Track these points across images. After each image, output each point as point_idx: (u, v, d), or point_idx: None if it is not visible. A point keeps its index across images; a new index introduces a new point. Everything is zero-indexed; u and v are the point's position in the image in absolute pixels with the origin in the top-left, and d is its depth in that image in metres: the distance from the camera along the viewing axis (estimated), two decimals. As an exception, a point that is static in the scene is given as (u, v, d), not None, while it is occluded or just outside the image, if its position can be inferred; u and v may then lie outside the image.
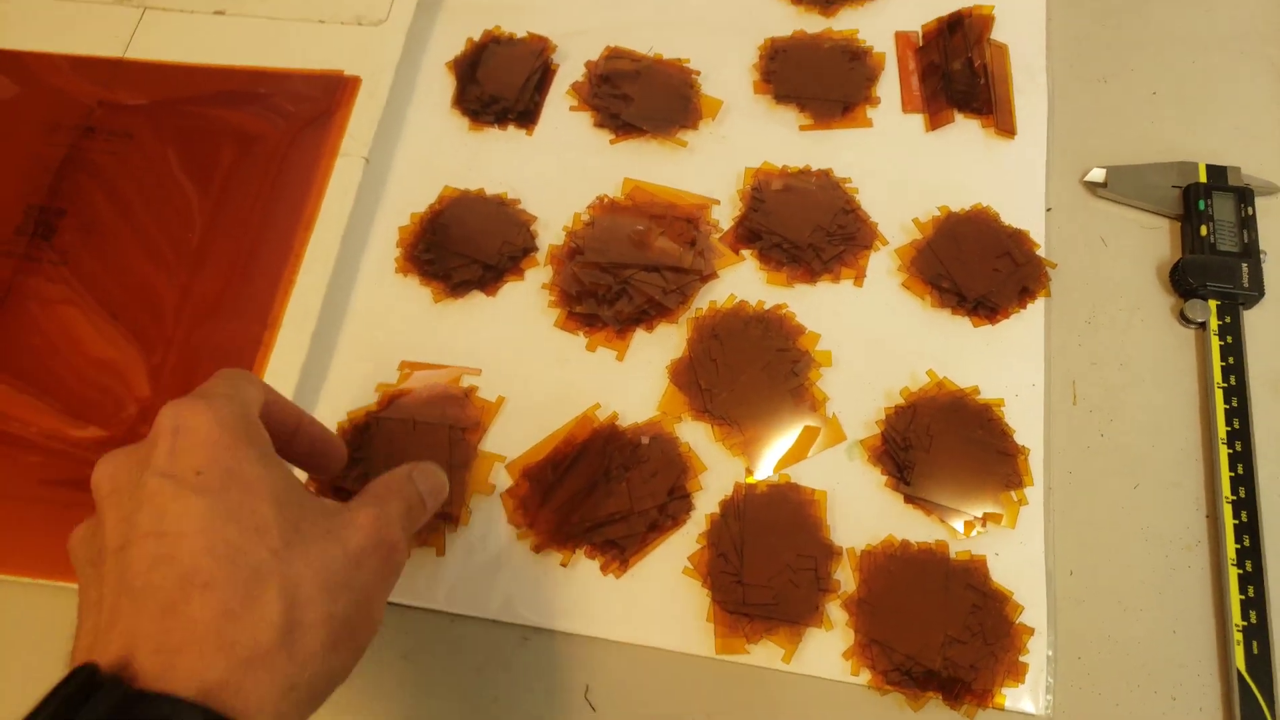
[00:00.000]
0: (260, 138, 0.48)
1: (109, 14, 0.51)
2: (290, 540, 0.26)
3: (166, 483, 0.25)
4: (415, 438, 0.41)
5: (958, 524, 0.40)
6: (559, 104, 0.51)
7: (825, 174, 0.47)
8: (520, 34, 0.52)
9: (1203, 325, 0.43)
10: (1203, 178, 0.45)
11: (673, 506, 0.40)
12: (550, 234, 0.47)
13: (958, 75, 0.49)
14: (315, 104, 0.49)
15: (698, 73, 0.50)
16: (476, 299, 0.45)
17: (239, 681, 0.23)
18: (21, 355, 0.43)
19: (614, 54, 0.51)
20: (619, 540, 0.39)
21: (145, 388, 0.42)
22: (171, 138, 0.48)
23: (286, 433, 0.32)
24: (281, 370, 0.42)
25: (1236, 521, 0.39)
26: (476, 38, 0.52)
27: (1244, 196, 0.45)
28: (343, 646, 0.27)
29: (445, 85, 0.51)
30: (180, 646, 0.23)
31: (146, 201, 0.47)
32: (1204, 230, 0.44)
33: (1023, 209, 0.47)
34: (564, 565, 0.39)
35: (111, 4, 0.51)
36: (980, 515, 0.39)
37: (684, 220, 0.46)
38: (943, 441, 0.41)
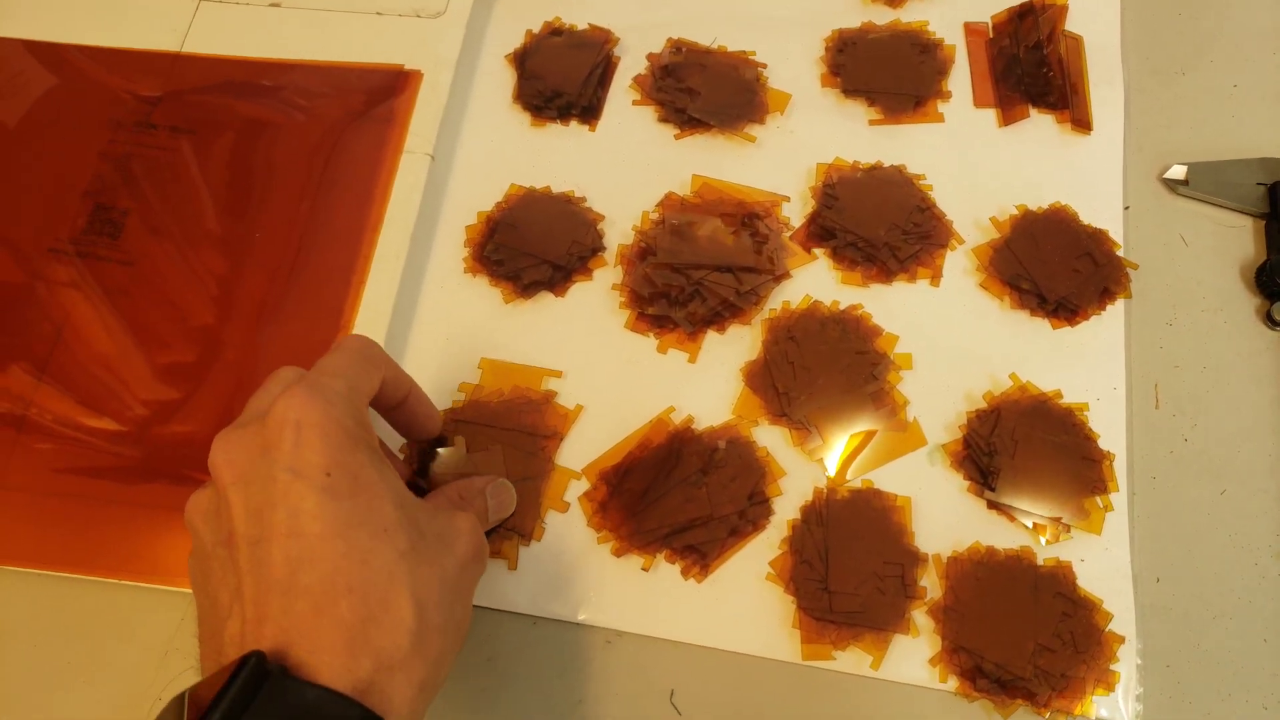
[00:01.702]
0: (322, 133, 0.47)
1: (166, 6, 0.50)
2: (414, 543, 0.28)
3: (297, 482, 0.27)
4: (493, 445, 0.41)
5: (1037, 529, 0.39)
6: (621, 98, 0.50)
7: (899, 170, 0.46)
8: (579, 25, 0.51)
9: (1291, 328, 0.42)
10: (1288, 175, 0.44)
11: (752, 511, 0.40)
12: (617, 232, 0.46)
13: (1030, 65, 0.48)
14: (371, 97, 0.48)
15: (764, 65, 0.50)
16: (546, 300, 0.45)
17: (384, 683, 0.25)
18: (42, 344, 0.43)
19: (677, 46, 0.50)
20: (700, 545, 0.39)
21: (183, 385, 0.42)
22: (230, 134, 0.48)
23: (396, 401, 0.34)
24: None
25: (1327, 528, 0.38)
26: (534, 29, 0.52)
27: (1330, 194, 0.44)
28: (455, 646, 0.29)
29: (504, 79, 0.50)
30: (333, 647, 0.25)
31: (208, 199, 0.46)
32: (1292, 230, 0.43)
33: (1100, 207, 0.46)
34: (645, 569, 0.39)
35: (167, -5, 0.50)
36: (1066, 522, 0.39)
37: (754, 217, 0.45)
38: (1027, 447, 0.40)
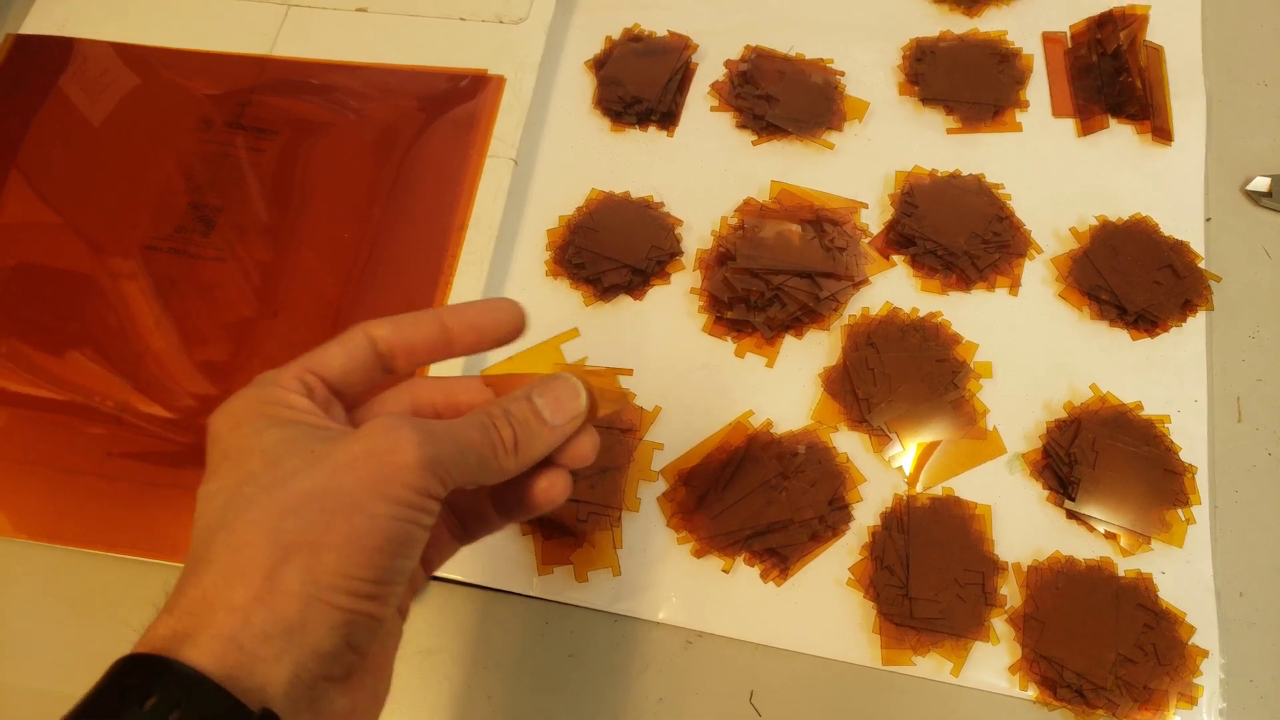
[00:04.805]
0: (399, 134, 0.48)
1: (256, 12, 0.51)
2: (267, 481, 0.25)
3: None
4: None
5: (1116, 539, 0.39)
6: (699, 104, 0.50)
7: (977, 179, 0.47)
8: (658, 32, 0.52)
9: (1380, 344, 0.42)
10: (1378, 189, 0.44)
11: (832, 517, 0.40)
12: (694, 237, 0.47)
13: (1108, 74, 0.48)
14: (450, 100, 0.49)
15: (842, 73, 0.50)
16: (624, 302, 0.46)
17: (187, 628, 0.23)
18: (104, 330, 0.45)
19: (755, 53, 0.51)
20: (780, 549, 0.40)
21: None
22: (317, 134, 0.49)
23: (424, 337, 0.29)
24: (443, 373, 0.42)
25: None
26: (612, 35, 0.52)
27: None
28: (300, 563, 0.24)
29: (584, 84, 0.51)
30: (155, 625, 0.24)
31: (290, 198, 0.47)
32: (1382, 245, 0.42)
33: (1180, 218, 0.46)
34: (725, 571, 0.40)
35: (258, 1, 0.52)
36: (1147, 534, 0.39)
37: (829, 222, 0.46)
38: (1108, 458, 0.40)
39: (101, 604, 0.41)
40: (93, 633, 0.40)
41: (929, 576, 0.38)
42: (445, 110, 0.49)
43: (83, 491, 0.42)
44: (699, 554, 0.40)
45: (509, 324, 0.30)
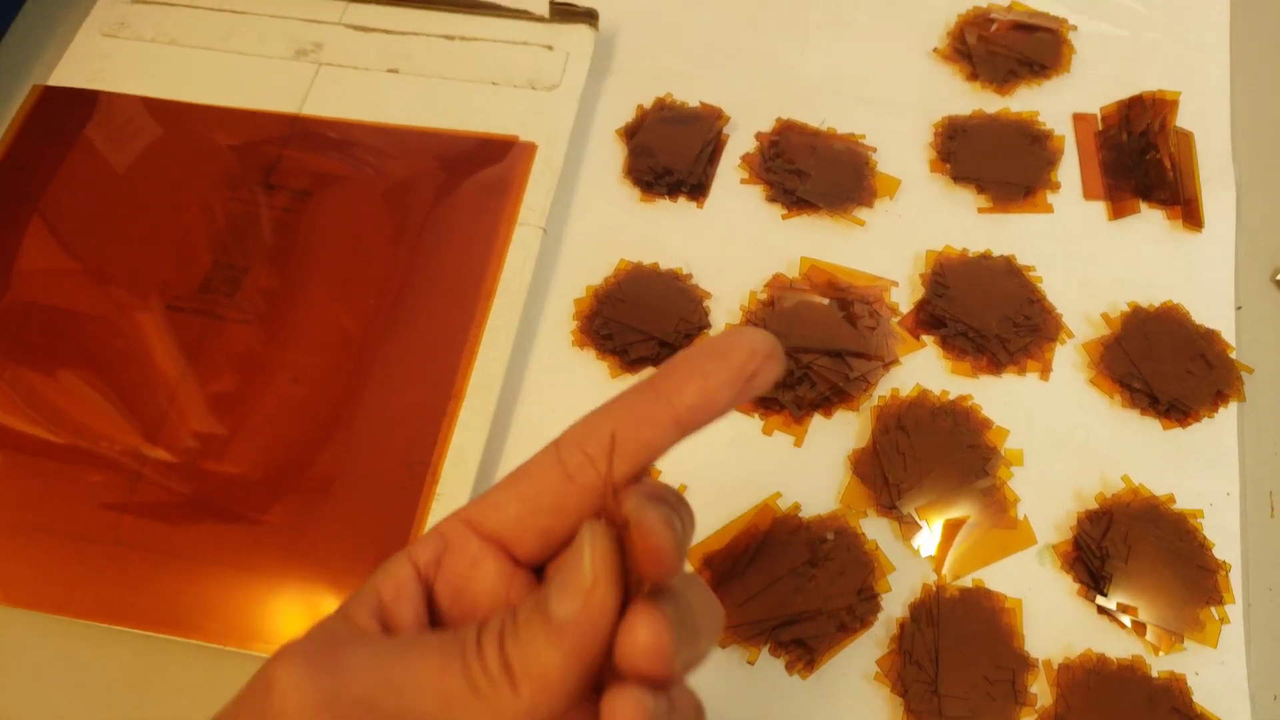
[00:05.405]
0: (429, 194, 0.48)
1: (286, 70, 0.51)
2: None
3: None
4: (599, 520, 0.41)
5: (1148, 636, 0.39)
6: (729, 175, 0.50)
7: (1008, 260, 0.47)
8: (689, 101, 0.52)
9: None
10: None
11: (861, 607, 0.39)
12: (723, 310, 0.47)
13: (1137, 156, 0.48)
14: (475, 163, 0.49)
15: (873, 149, 0.50)
16: (650, 374, 0.45)
17: None
18: (108, 363, 0.44)
19: (786, 126, 0.51)
20: (807, 640, 0.39)
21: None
22: (346, 192, 0.49)
23: (655, 434, 0.22)
24: (465, 444, 0.42)
25: None
26: (643, 103, 0.52)
27: None
28: None
29: (614, 152, 0.51)
30: None
31: (322, 256, 0.47)
32: None
33: (1211, 306, 0.45)
34: (750, 663, 0.39)
35: (289, 60, 0.52)
36: (1181, 632, 0.38)
37: (862, 302, 0.46)
38: (1140, 552, 0.40)
39: (92, 679, 0.40)
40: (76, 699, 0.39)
41: (958, 672, 0.38)
42: (471, 173, 0.49)
43: (71, 554, 0.40)
44: (723, 644, 0.39)
45: (754, 352, 0.21)
